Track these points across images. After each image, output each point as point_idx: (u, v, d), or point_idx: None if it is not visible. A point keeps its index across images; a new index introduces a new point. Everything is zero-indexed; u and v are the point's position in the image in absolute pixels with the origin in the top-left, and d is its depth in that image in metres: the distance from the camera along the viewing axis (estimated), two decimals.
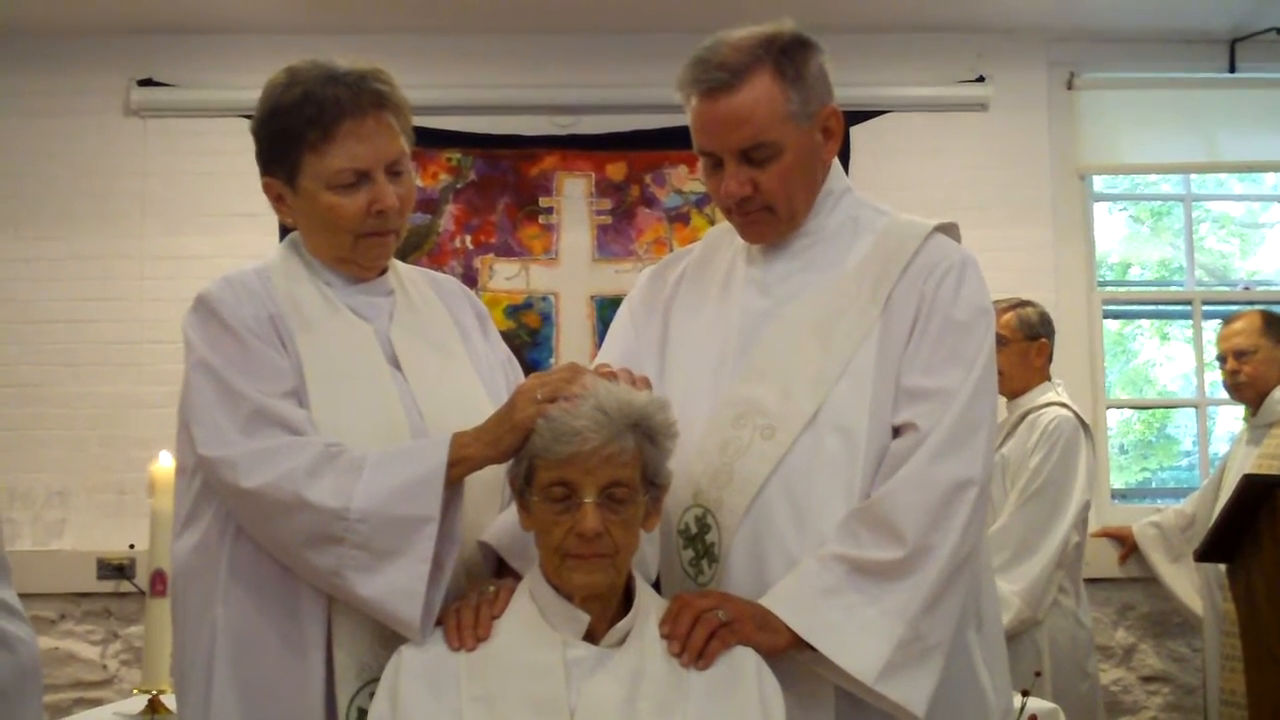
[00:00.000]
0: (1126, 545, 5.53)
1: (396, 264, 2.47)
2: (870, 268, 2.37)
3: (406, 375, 2.33)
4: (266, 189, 2.36)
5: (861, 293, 2.35)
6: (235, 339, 2.23)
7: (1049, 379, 4.80)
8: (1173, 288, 6.42)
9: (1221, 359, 5.10)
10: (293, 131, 2.26)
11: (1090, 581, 5.51)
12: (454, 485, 2.14)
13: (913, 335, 2.31)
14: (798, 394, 2.29)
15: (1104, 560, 5.58)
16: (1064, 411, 4.63)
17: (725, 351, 2.40)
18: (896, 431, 2.28)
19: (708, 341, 2.44)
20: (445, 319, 2.48)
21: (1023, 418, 4.68)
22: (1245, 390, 5.04)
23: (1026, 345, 4.77)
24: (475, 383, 2.42)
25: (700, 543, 2.32)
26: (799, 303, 2.38)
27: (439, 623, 2.14)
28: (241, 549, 2.21)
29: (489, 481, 2.29)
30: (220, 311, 2.25)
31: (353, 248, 2.32)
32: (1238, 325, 5.06)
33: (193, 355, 2.25)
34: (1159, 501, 6.19)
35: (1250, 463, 4.81)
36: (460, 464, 2.13)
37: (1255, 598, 3.93)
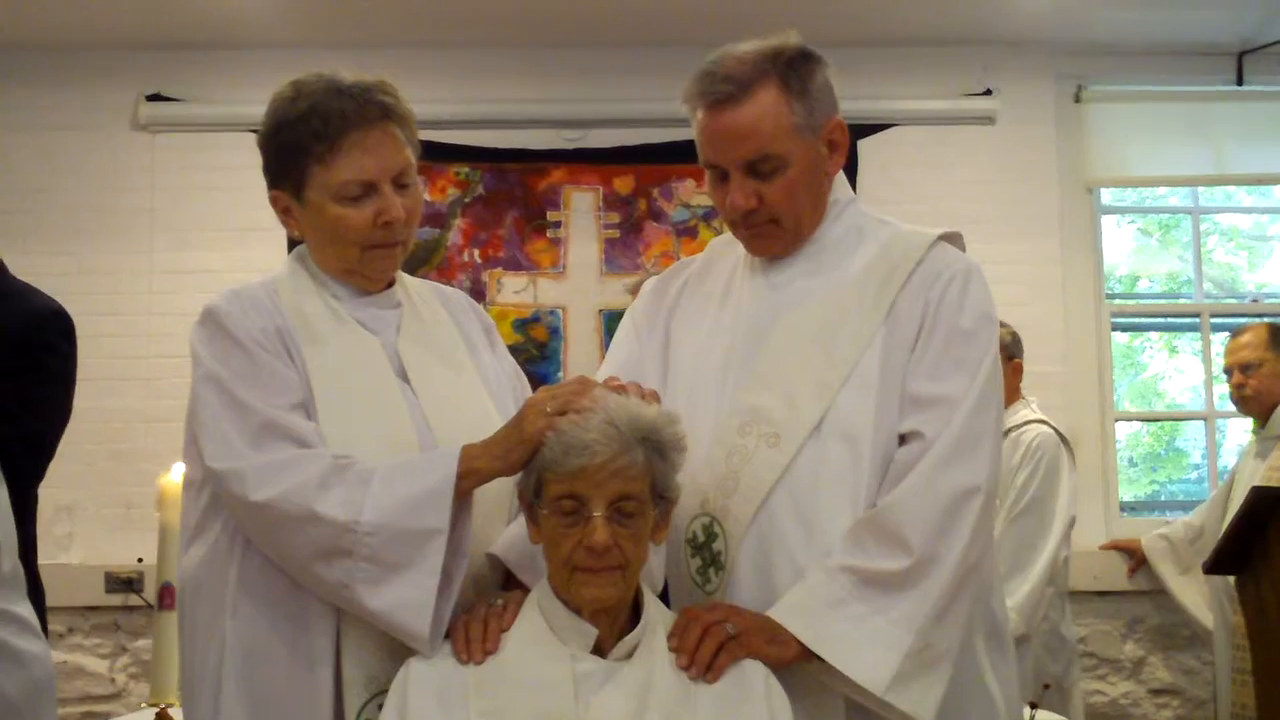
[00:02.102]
0: (1135, 558, 5.53)
1: (404, 277, 2.48)
2: (874, 275, 2.37)
3: (414, 388, 2.33)
4: (274, 202, 2.37)
5: (865, 300, 2.35)
6: (243, 352, 2.23)
7: (1022, 397, 4.85)
8: (1181, 300, 6.41)
9: (1228, 372, 5.10)
10: (299, 144, 2.27)
11: (1099, 594, 5.53)
12: (463, 498, 2.14)
13: (917, 343, 2.31)
14: (802, 401, 2.29)
15: (1113, 573, 5.58)
16: (1045, 429, 4.70)
17: (729, 360, 2.40)
18: (902, 439, 2.28)
19: (711, 350, 2.44)
20: (452, 332, 2.48)
21: (1004, 436, 4.70)
22: (1252, 404, 5.04)
23: (1004, 366, 4.79)
24: (483, 395, 2.42)
25: (708, 551, 2.32)
26: (802, 310, 2.38)
27: (447, 635, 2.14)
28: (250, 562, 2.21)
29: (496, 494, 2.29)
30: (227, 324, 2.25)
31: (360, 259, 2.33)
32: (1244, 338, 5.06)
33: (200, 368, 2.25)
34: (1168, 514, 6.19)
35: (1259, 475, 4.81)
36: (469, 476, 2.13)
37: (1265, 609, 3.92)
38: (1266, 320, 5.30)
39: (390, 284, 2.43)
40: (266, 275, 2.41)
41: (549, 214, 5.79)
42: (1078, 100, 5.99)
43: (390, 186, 2.29)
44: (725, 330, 2.44)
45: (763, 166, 2.32)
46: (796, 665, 2.17)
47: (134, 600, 5.43)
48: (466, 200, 5.74)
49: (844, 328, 2.33)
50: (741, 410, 2.33)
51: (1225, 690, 4.87)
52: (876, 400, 2.29)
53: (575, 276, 5.76)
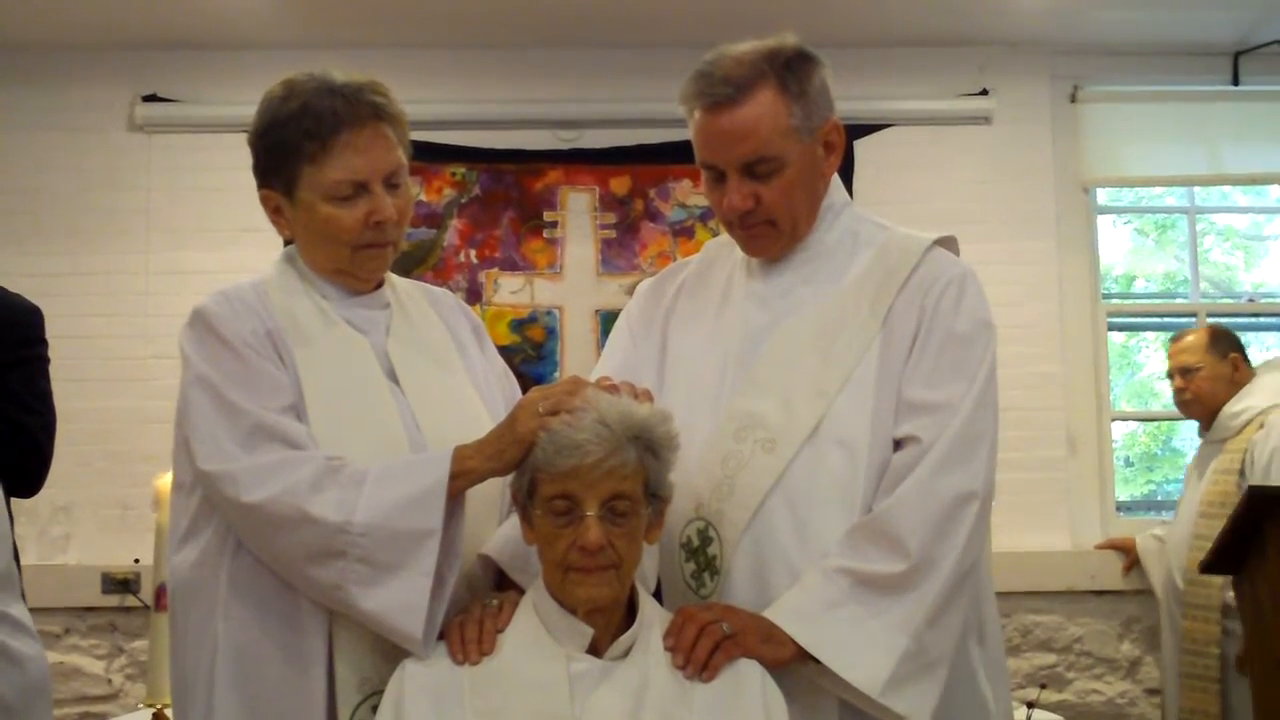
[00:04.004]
0: (1130, 557, 5.52)
1: (392, 277, 2.47)
2: (870, 281, 2.37)
3: (404, 388, 2.32)
4: (264, 201, 2.36)
5: (861, 306, 2.35)
6: (233, 354, 2.22)
7: None
8: (1177, 300, 6.41)
9: (1171, 375, 5.06)
10: (290, 143, 2.26)
11: (1096, 594, 5.54)
12: (456, 499, 2.14)
13: (913, 349, 2.31)
14: (799, 407, 2.29)
15: (1109, 572, 5.58)
16: None
17: (726, 365, 2.40)
18: (898, 445, 2.27)
19: (708, 355, 2.44)
20: (442, 332, 2.48)
21: None
22: (1193, 407, 5.00)
23: None
24: (473, 396, 2.42)
25: (702, 555, 2.32)
26: (799, 316, 2.38)
27: (442, 636, 2.14)
28: (242, 563, 2.21)
29: (487, 494, 2.28)
30: (217, 326, 2.25)
31: (350, 259, 2.32)
32: (1185, 341, 5.02)
33: (190, 370, 2.25)
34: (1164, 514, 6.19)
35: (1204, 485, 4.79)
36: (462, 477, 2.13)
37: (1261, 608, 3.92)
38: (1209, 323, 5.25)
39: (379, 284, 2.43)
40: (256, 276, 2.40)
41: (545, 214, 5.78)
42: (1073, 100, 5.99)
43: (382, 187, 2.28)
44: (722, 335, 2.44)
45: (760, 168, 2.32)
46: (791, 665, 2.17)
47: (131, 601, 5.43)
48: (463, 201, 5.73)
49: (841, 334, 2.33)
50: (738, 415, 2.33)
51: (1173, 696, 4.87)
52: (873, 406, 2.29)
53: (572, 277, 5.76)
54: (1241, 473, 4.67)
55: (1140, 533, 5.51)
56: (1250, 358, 5.08)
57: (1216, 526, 4.61)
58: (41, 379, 3.56)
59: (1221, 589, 4.61)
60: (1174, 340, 5.11)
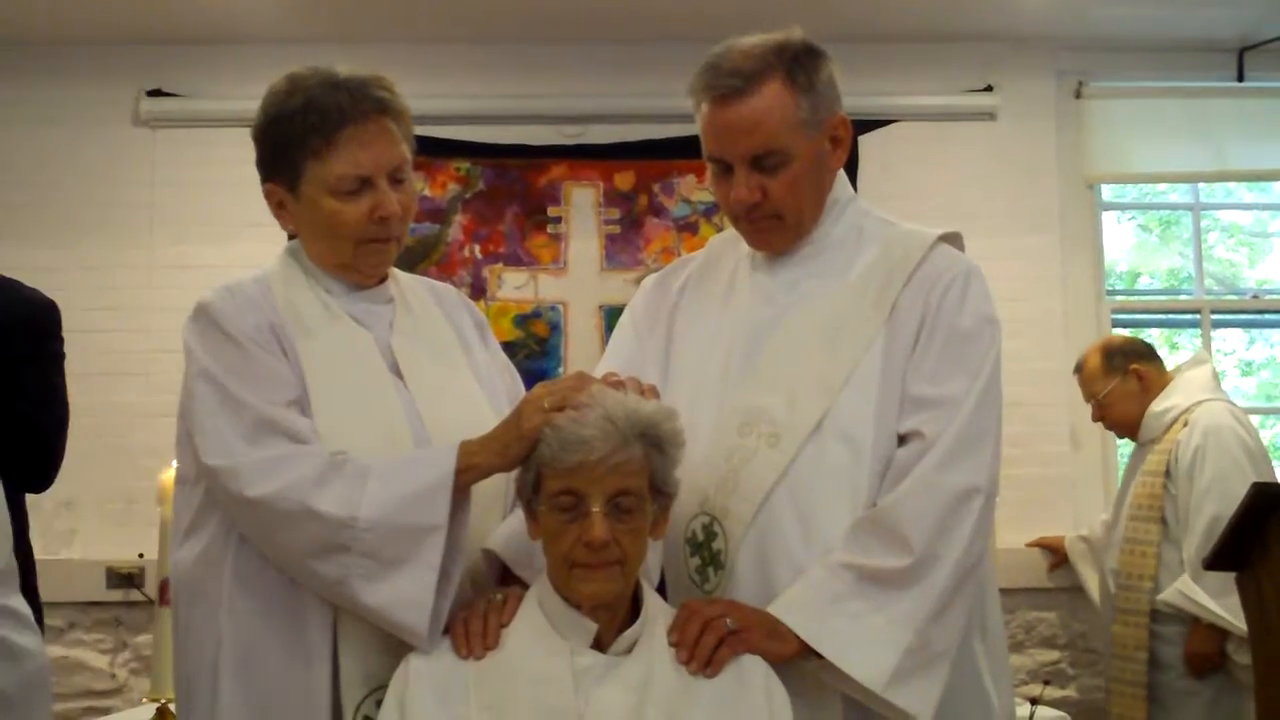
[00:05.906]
0: (1057, 557, 5.47)
1: (396, 272, 2.47)
2: (875, 276, 2.37)
3: (408, 383, 2.32)
4: (268, 196, 2.36)
5: (866, 301, 2.35)
6: (237, 348, 2.23)
7: None
8: (1182, 297, 6.40)
9: (1088, 402, 5.03)
10: (295, 138, 2.27)
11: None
12: (461, 494, 2.14)
13: (917, 344, 2.31)
14: (803, 402, 2.29)
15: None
16: None
17: (730, 359, 2.40)
18: (902, 440, 2.28)
19: (713, 349, 2.44)
20: (445, 327, 2.48)
21: None
22: (1120, 429, 4.97)
23: None
24: (476, 391, 2.42)
25: (706, 550, 2.32)
26: (804, 311, 2.38)
27: (446, 631, 2.14)
28: (245, 558, 2.21)
29: (492, 490, 2.28)
30: (221, 321, 2.25)
31: (354, 254, 2.32)
32: (1085, 370, 4.95)
33: (194, 365, 2.25)
34: None
35: (1134, 483, 4.77)
36: (467, 472, 2.13)
37: (1265, 606, 3.91)
38: (1104, 339, 5.14)
39: (383, 279, 2.43)
40: (259, 270, 2.40)
41: (549, 210, 5.78)
42: (1078, 96, 5.98)
43: (386, 182, 2.28)
44: (727, 330, 2.44)
45: (767, 160, 2.32)
46: (795, 661, 2.17)
47: (135, 596, 5.43)
48: (467, 196, 5.72)
49: (845, 329, 2.33)
50: (742, 410, 2.33)
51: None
52: (877, 401, 2.29)
53: (576, 272, 5.75)
54: (1168, 473, 4.63)
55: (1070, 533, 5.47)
56: (1215, 353, 5.00)
57: (1145, 529, 4.63)
58: (56, 375, 3.57)
59: (1150, 593, 4.60)
60: (1075, 370, 5.05)
